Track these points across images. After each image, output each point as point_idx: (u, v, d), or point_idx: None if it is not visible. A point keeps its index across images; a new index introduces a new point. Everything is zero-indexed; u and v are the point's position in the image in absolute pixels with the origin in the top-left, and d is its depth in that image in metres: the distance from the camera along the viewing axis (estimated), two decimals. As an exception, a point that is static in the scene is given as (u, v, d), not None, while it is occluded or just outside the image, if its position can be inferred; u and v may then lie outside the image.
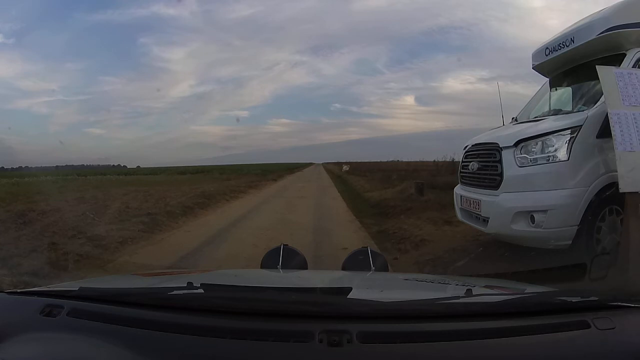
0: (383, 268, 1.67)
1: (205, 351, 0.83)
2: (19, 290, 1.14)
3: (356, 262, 1.65)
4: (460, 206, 4.01)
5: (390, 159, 32.66)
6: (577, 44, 3.53)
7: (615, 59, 3.19)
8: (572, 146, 3.00)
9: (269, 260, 1.63)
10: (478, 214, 3.61)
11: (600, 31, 3.28)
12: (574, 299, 1.02)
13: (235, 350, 0.83)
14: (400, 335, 0.86)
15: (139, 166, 41.78)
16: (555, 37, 3.87)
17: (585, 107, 3.28)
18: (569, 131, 3.04)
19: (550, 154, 3.09)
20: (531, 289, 1.31)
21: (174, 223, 6.84)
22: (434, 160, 16.09)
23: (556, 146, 3.08)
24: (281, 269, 1.57)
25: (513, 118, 4.34)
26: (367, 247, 1.74)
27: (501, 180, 3.32)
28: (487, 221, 3.42)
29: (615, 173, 2.72)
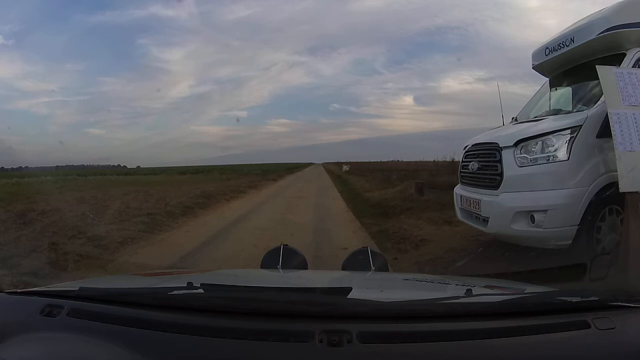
0: (383, 268, 1.67)
1: (205, 351, 0.83)
2: (19, 290, 1.14)
3: (356, 262, 1.65)
4: (460, 206, 4.01)
5: (390, 159, 32.65)
6: (577, 43, 3.53)
7: (615, 59, 3.19)
8: (572, 146, 3.00)
9: (269, 260, 1.63)
10: (478, 214, 3.60)
11: (600, 31, 3.28)
12: (574, 299, 1.02)
13: (235, 350, 0.83)
14: (400, 335, 0.86)
15: (139, 166, 41.69)
16: (555, 37, 3.87)
17: (585, 107, 3.28)
18: (569, 131, 3.04)
19: (550, 154, 3.09)
20: (531, 289, 1.31)
21: (174, 223, 6.85)
22: (434, 160, 16.08)
23: (556, 146, 3.07)
24: (281, 269, 1.57)
25: (513, 118, 4.34)
26: (367, 247, 1.75)
27: (501, 180, 3.32)
28: (487, 221, 3.42)
29: (615, 173, 2.72)
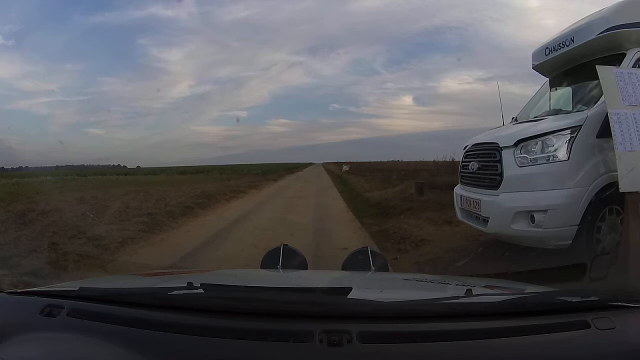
0: (383, 268, 1.67)
1: (205, 351, 0.83)
2: (19, 290, 1.14)
3: (356, 262, 1.65)
4: (460, 206, 4.01)
5: (390, 159, 32.63)
6: (577, 43, 3.53)
7: (615, 59, 3.19)
8: (572, 146, 3.00)
9: (269, 260, 1.63)
10: (478, 214, 3.60)
11: (600, 31, 3.28)
12: (574, 299, 1.02)
13: (235, 350, 0.83)
14: (400, 335, 0.86)
15: (139, 166, 41.64)
16: (555, 37, 3.87)
17: (585, 107, 3.28)
18: (568, 131, 3.04)
19: (550, 154, 3.09)
20: (531, 289, 1.31)
21: (174, 223, 6.85)
22: (434, 160, 16.08)
23: (556, 146, 3.07)
24: (281, 269, 1.57)
25: (513, 118, 4.34)
26: (367, 247, 1.75)
27: (501, 180, 3.32)
28: (487, 221, 3.42)
29: (615, 173, 2.71)
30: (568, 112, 3.53)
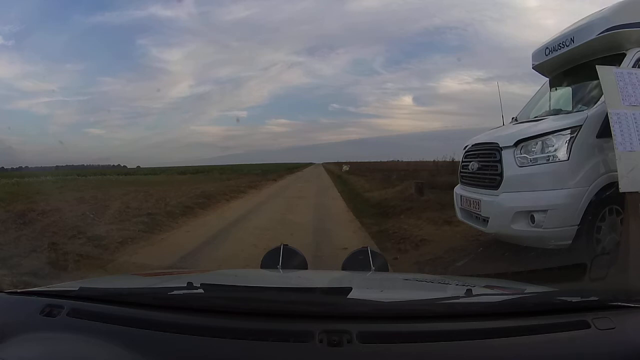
0: (383, 268, 1.67)
1: (205, 351, 0.83)
2: (19, 290, 1.14)
3: (356, 262, 1.65)
4: (460, 206, 4.01)
5: (390, 159, 32.65)
6: (577, 43, 3.53)
7: (615, 59, 3.19)
8: (572, 146, 3.00)
9: (269, 260, 1.64)
10: (478, 214, 3.60)
11: (600, 31, 3.28)
12: (574, 299, 1.02)
13: (235, 350, 0.83)
14: (400, 335, 0.86)
15: (139, 166, 41.65)
16: (555, 37, 3.87)
17: (585, 107, 3.28)
18: (569, 131, 3.04)
19: (550, 154, 3.09)
20: (531, 289, 1.31)
21: (174, 223, 6.85)
22: (434, 160, 16.08)
23: (556, 146, 3.07)
24: (281, 269, 1.57)
25: (513, 118, 4.34)
26: (367, 247, 1.75)
27: (501, 180, 3.32)
28: (487, 221, 3.42)
29: (615, 173, 2.71)
30: (568, 112, 3.53)
